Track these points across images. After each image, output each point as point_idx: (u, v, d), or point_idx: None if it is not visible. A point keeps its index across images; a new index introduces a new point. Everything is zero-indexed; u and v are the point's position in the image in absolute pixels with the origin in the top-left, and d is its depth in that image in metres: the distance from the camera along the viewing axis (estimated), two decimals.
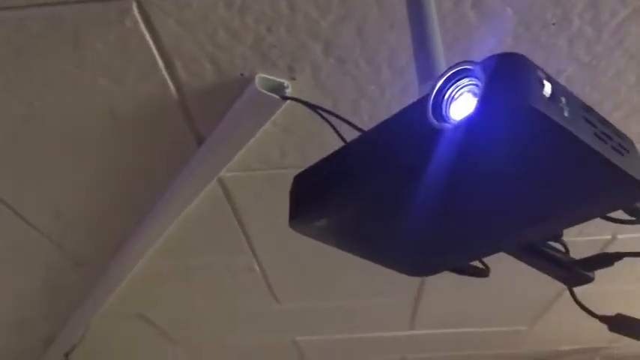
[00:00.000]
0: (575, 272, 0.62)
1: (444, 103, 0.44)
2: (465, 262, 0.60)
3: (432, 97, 0.44)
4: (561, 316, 2.24)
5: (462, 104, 0.43)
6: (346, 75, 0.97)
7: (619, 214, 0.54)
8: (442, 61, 0.56)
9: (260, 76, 0.94)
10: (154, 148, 1.15)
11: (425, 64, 0.54)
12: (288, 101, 0.99)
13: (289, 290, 1.90)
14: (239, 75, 0.95)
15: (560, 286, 2.10)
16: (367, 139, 0.49)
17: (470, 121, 0.41)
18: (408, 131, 0.46)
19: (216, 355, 2.65)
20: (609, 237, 1.56)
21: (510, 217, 0.46)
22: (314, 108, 0.91)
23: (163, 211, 1.33)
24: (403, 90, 1.00)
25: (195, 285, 1.81)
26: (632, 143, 0.45)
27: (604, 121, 0.43)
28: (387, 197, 0.48)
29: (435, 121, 0.44)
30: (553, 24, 0.88)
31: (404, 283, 1.88)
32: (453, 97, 0.44)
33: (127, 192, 1.29)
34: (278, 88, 0.96)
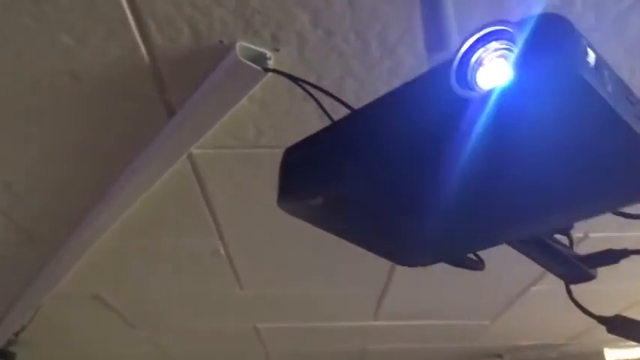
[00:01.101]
0: (577, 268, 0.57)
1: (470, 68, 0.38)
2: (469, 252, 0.55)
3: (457, 62, 0.39)
4: (523, 313, 2.26)
5: (492, 70, 0.38)
6: (333, 50, 0.90)
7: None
8: (454, 27, 0.51)
9: (241, 44, 0.87)
10: (120, 117, 1.06)
11: (435, 30, 0.48)
12: (269, 75, 0.92)
13: (254, 276, 1.84)
14: (218, 42, 0.88)
15: (523, 283, 2.11)
16: (376, 108, 0.43)
17: (505, 89, 0.35)
18: (425, 100, 0.40)
19: (176, 340, 2.57)
20: (581, 235, 1.55)
21: (533, 202, 0.41)
22: (297, 81, 0.85)
23: (127, 187, 1.24)
24: (392, 69, 0.94)
25: (157, 267, 1.73)
26: None
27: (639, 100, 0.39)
28: (397, 174, 0.42)
29: (459, 89, 0.38)
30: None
31: (371, 274, 1.84)
32: (481, 62, 0.38)
33: (88, 164, 1.20)
34: (259, 59, 0.89)
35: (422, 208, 0.45)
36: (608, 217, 1.53)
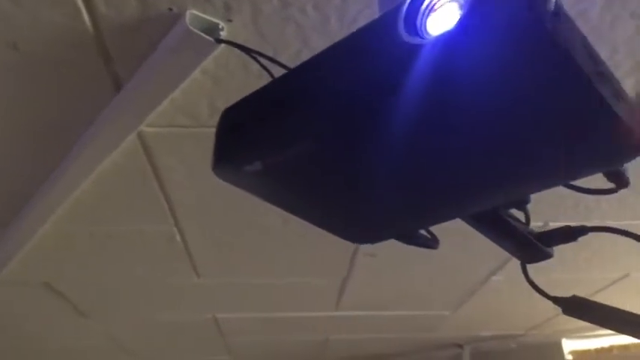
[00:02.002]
0: (533, 246, 0.55)
1: (420, 14, 0.35)
2: (420, 227, 0.52)
3: (405, 8, 0.35)
4: (484, 303, 2.27)
5: (443, 16, 0.34)
6: (290, 21, 0.86)
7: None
8: None
9: (191, 13, 0.82)
10: (63, 91, 1.00)
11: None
12: (222, 46, 0.87)
13: (212, 264, 1.79)
14: (167, 10, 0.83)
15: (485, 272, 2.12)
16: (319, 60, 0.39)
17: (451, 36, 0.32)
18: (372, 50, 0.36)
19: (131, 330, 2.50)
20: (541, 224, 1.55)
21: (483, 168, 0.38)
22: (250, 53, 0.80)
23: (73, 166, 1.18)
24: None
25: (109, 253, 1.66)
26: (627, 94, 0.38)
27: (603, 62, 0.36)
28: (339, 136, 0.38)
29: (407, 36, 0.34)
30: None
31: (332, 264, 1.82)
32: (432, 7, 0.34)
33: (30, 142, 1.13)
34: (211, 29, 0.84)
35: (368, 175, 0.41)
36: (568, 204, 1.52)
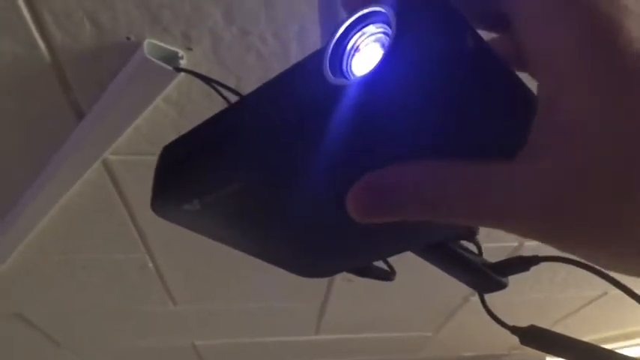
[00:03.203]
0: (487, 277, 0.54)
1: (346, 55, 0.34)
2: (367, 262, 0.51)
3: (331, 48, 0.34)
4: (465, 323, 2.25)
5: (367, 57, 0.34)
6: (250, 49, 0.86)
7: None
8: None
9: (149, 42, 0.81)
10: (25, 121, 0.98)
11: (329, 15, 0.44)
12: (183, 74, 0.87)
13: (187, 290, 1.76)
14: (125, 38, 0.82)
15: (465, 292, 2.11)
16: (251, 99, 0.38)
17: (372, 76, 0.31)
18: (299, 90, 0.35)
19: (108, 359, 2.44)
20: (516, 244, 1.55)
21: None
22: (210, 82, 0.80)
23: (39, 196, 1.15)
24: None
25: (81, 282, 1.63)
26: None
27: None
28: (271, 174, 0.37)
29: (331, 76, 0.33)
30: None
31: (311, 286, 1.80)
32: (357, 47, 0.34)
33: None
34: (171, 58, 0.83)
35: (303, 214, 0.40)
36: None
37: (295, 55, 0.87)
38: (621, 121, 0.22)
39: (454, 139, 0.31)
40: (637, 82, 0.22)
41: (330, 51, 0.34)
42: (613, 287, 0.52)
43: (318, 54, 0.35)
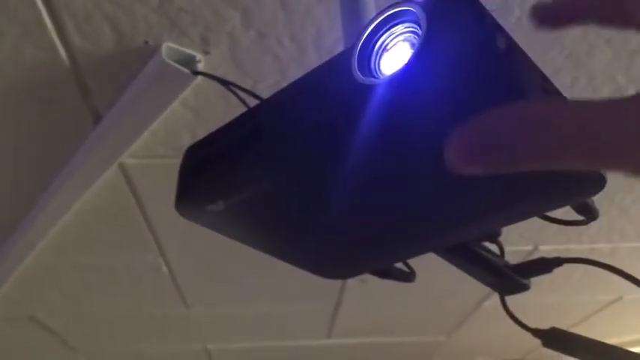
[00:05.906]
0: (509, 279, 0.54)
1: (374, 54, 0.34)
2: (390, 263, 0.51)
3: (359, 48, 0.34)
4: (479, 328, 2.24)
5: (396, 56, 0.34)
6: (267, 52, 0.86)
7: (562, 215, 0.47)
8: (372, 7, 0.47)
9: (168, 45, 0.82)
10: (44, 125, 0.99)
11: (351, 12, 0.44)
12: (200, 78, 0.87)
13: (200, 294, 1.77)
14: (143, 43, 0.83)
15: (479, 297, 2.10)
16: (279, 99, 0.38)
17: (402, 75, 0.31)
18: (327, 90, 0.35)
19: None
20: (531, 248, 1.54)
21: (449, 205, 0.37)
22: (228, 85, 0.80)
23: (55, 199, 1.16)
24: None
25: (95, 285, 1.64)
26: None
27: (565, 98, 0.35)
28: (299, 175, 0.38)
29: (360, 76, 0.33)
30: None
31: (323, 289, 1.79)
32: (385, 47, 0.34)
33: (9, 177, 1.12)
34: (188, 62, 0.84)
35: (330, 214, 0.40)
36: (557, 228, 1.51)
37: (312, 58, 0.87)
38: None
39: None
40: None
41: (358, 51, 0.34)
42: (628, 292, 0.52)
43: (345, 55, 0.36)
